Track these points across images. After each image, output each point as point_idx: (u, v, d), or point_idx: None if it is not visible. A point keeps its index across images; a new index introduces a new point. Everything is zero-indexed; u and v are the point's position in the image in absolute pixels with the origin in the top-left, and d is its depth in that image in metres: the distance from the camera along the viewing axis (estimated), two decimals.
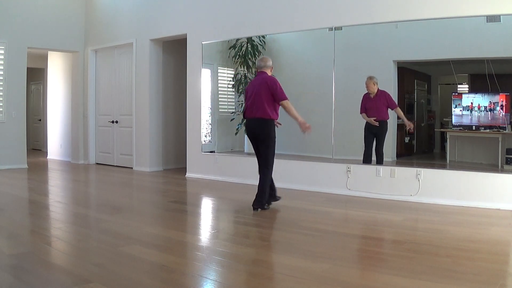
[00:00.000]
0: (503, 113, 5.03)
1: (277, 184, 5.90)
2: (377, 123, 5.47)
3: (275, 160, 4.46)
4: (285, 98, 4.28)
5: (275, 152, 4.44)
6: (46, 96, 10.38)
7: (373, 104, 5.50)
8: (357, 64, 5.87)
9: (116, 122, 8.34)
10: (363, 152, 5.53)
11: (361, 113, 5.55)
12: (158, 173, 7.46)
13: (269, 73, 4.50)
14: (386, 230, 3.83)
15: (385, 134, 5.53)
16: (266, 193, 4.39)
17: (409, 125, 5.53)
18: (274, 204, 4.67)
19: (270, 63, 4.52)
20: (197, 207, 4.99)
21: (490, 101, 5.12)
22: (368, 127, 5.53)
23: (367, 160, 5.47)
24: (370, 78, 5.46)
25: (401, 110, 5.56)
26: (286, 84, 6.64)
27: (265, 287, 2.43)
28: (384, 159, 5.50)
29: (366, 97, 5.52)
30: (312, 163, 5.76)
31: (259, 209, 4.35)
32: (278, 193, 4.66)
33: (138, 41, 7.76)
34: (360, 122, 5.64)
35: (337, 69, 5.61)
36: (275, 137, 4.39)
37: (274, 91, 4.28)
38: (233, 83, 7.10)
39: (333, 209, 4.62)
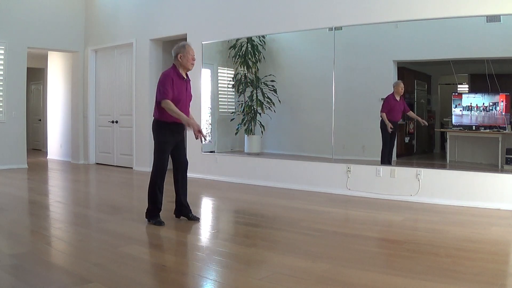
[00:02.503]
0: (503, 113, 5.02)
1: (278, 184, 5.94)
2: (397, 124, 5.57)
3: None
4: (160, 99, 3.67)
5: (158, 155, 3.84)
6: (46, 96, 10.38)
7: (399, 106, 5.53)
8: (357, 64, 5.87)
9: (116, 122, 8.34)
10: (381, 153, 5.54)
11: (383, 112, 5.52)
12: None
13: (178, 63, 3.77)
14: (386, 230, 3.83)
15: None
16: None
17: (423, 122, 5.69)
18: (274, 204, 4.67)
19: (174, 52, 3.78)
20: (197, 207, 4.99)
21: (490, 101, 5.12)
22: (389, 128, 5.54)
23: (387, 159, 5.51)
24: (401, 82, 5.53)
25: None
26: (286, 84, 6.69)
27: (265, 287, 2.43)
28: None
29: (393, 99, 5.50)
30: (312, 163, 5.76)
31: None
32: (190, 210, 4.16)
33: (138, 41, 7.76)
34: (360, 122, 5.65)
35: (337, 69, 5.61)
36: (159, 139, 3.81)
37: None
38: (233, 83, 7.10)
39: (333, 209, 4.62)
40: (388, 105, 5.53)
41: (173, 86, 3.68)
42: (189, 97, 3.86)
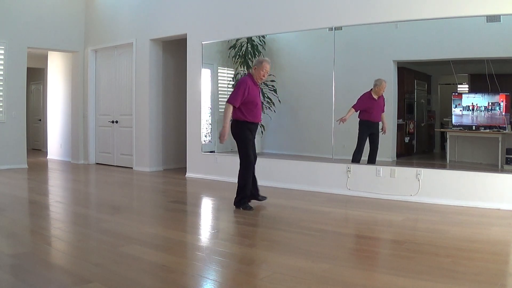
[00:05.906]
0: (503, 113, 5.03)
1: (278, 184, 5.94)
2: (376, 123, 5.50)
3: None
4: (227, 101, 4.28)
5: (245, 150, 4.41)
6: (46, 96, 10.38)
7: (377, 105, 5.47)
8: (357, 64, 5.87)
9: (116, 122, 8.34)
10: (355, 151, 5.51)
11: (357, 110, 5.49)
12: (158, 173, 7.46)
13: (252, 74, 4.39)
14: (386, 230, 3.83)
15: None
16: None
17: (383, 131, 5.57)
18: (274, 204, 4.67)
19: (253, 63, 4.45)
20: (197, 207, 4.99)
21: (490, 101, 5.12)
22: (368, 126, 5.50)
23: (359, 159, 5.47)
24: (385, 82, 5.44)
25: (402, 109, 5.62)
26: (286, 84, 6.69)
27: (265, 287, 2.43)
28: (384, 159, 5.51)
29: (370, 97, 5.47)
30: (312, 163, 5.76)
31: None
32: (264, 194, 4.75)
33: (138, 41, 7.76)
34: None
35: (337, 69, 5.61)
36: (243, 137, 4.36)
37: None
38: (233, 83, 7.10)
39: (333, 209, 4.62)
40: (362, 104, 5.45)
41: (248, 91, 4.22)
42: (260, 101, 4.50)
